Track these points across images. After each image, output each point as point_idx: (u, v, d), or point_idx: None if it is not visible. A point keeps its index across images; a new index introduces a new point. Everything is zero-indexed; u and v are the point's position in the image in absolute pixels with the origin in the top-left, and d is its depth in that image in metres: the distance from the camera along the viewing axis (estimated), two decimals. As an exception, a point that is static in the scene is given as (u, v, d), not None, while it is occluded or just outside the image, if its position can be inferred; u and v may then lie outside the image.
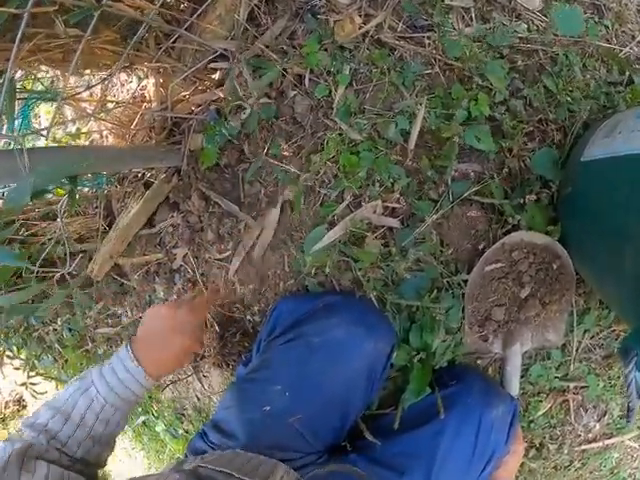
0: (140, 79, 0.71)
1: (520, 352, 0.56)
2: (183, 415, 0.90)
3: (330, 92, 0.56)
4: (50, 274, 0.69)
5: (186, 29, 0.54)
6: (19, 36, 0.31)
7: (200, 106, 0.62)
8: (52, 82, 0.81)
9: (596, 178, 0.47)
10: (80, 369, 0.93)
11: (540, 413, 0.70)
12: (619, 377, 0.69)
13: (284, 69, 0.56)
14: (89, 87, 0.68)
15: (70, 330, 0.89)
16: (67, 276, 0.68)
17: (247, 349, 0.67)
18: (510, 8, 0.56)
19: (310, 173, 0.55)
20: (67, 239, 0.65)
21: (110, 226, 0.72)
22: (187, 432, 0.93)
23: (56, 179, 0.52)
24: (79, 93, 0.66)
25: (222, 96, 0.59)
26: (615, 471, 0.81)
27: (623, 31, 0.59)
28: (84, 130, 0.88)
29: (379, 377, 0.52)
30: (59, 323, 0.88)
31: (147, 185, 0.69)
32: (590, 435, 0.75)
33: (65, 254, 0.65)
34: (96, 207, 0.76)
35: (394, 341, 0.51)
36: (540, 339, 0.57)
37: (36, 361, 0.93)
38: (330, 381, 0.49)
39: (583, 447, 0.76)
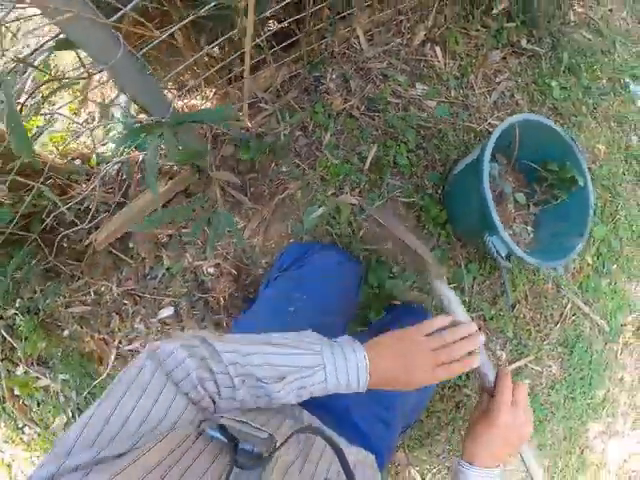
0: (204, 98, 0.94)
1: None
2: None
3: (321, 136, 1.00)
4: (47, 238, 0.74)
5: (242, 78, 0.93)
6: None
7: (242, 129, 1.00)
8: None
9: (457, 180, 0.93)
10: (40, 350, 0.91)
11: None
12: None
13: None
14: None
15: (28, 312, 0.88)
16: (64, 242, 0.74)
17: (253, 293, 0.94)
18: (419, 106, 1.07)
19: (307, 177, 0.97)
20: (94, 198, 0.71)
21: (118, 205, 0.83)
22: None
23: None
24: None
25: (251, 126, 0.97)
26: (532, 395, 1.07)
27: (479, 116, 1.12)
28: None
29: (356, 293, 0.75)
30: (17, 305, 0.88)
31: (166, 174, 0.85)
32: (501, 361, 1.05)
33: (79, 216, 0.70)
34: (111, 187, 0.88)
35: (362, 270, 0.81)
36: None
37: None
38: (336, 289, 0.65)
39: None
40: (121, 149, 0.98)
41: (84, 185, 0.93)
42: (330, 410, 0.52)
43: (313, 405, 0.50)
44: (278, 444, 0.31)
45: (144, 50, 0.57)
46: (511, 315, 1.07)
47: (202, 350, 0.36)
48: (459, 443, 1.08)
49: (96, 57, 0.52)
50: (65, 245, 0.90)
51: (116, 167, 0.97)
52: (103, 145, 1.02)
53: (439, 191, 0.98)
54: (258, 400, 0.38)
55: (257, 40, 0.78)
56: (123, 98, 0.99)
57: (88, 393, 0.95)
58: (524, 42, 1.23)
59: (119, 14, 0.48)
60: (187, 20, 0.58)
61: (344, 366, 0.40)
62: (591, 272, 1.17)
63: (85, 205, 0.90)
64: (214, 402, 0.36)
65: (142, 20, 0.53)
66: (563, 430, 1.14)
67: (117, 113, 1.02)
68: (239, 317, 0.81)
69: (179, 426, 0.31)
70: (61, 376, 0.98)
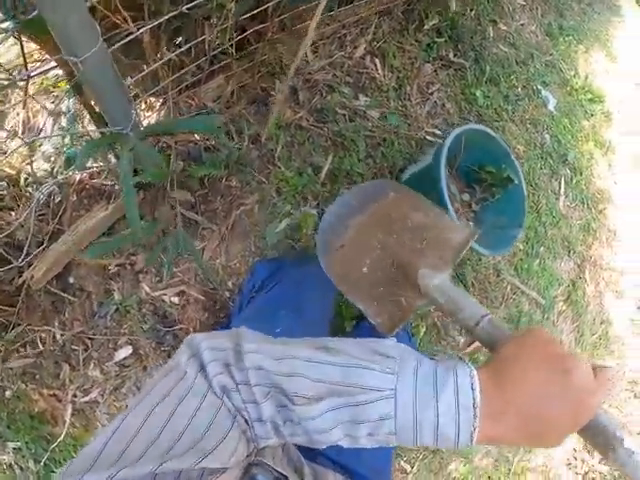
0: (149, 108, 0.89)
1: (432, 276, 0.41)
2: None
3: (273, 148, 1.01)
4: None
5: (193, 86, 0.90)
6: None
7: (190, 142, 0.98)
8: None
9: (410, 186, 1.00)
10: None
11: (421, 335, 1.12)
12: None
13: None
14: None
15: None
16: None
17: (224, 318, 0.96)
18: (364, 116, 1.13)
19: (262, 191, 0.97)
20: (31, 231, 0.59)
21: (53, 234, 0.73)
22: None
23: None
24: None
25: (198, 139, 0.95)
26: None
27: (417, 125, 1.21)
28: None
29: (332, 299, 0.75)
30: None
31: (106, 195, 0.79)
32: (460, 346, 1.16)
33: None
34: (42, 213, 0.77)
35: None
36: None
37: None
38: (318, 302, 0.64)
39: (459, 355, 1.18)
40: (54, 168, 0.89)
41: (13, 213, 0.83)
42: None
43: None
44: None
45: (118, 44, 0.50)
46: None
47: (228, 352, 0.28)
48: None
49: (69, 47, 0.43)
50: None
51: (48, 190, 0.87)
52: (33, 163, 0.91)
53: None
54: (293, 431, 0.27)
55: (225, 45, 0.75)
56: (69, 105, 0.88)
57: (47, 459, 0.82)
58: (452, 55, 1.36)
59: None
60: (169, 15, 0.53)
61: (431, 397, 0.25)
62: (523, 256, 1.33)
63: (16, 237, 0.80)
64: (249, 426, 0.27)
65: (119, 7, 0.46)
66: None
67: (49, 125, 0.91)
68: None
69: (224, 449, 0.24)
70: (11, 444, 0.83)
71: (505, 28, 1.58)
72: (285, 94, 1.03)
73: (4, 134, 0.90)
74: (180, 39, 0.70)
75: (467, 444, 0.25)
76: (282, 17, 0.84)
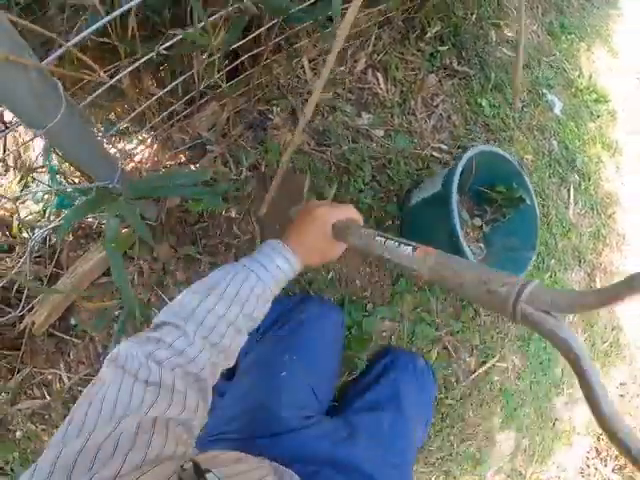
0: (141, 143, 0.85)
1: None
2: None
3: (273, 176, 0.97)
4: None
5: (186, 117, 0.85)
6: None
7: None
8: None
9: (417, 212, 0.97)
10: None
11: (433, 359, 1.10)
12: (472, 319, 1.14)
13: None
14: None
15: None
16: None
17: None
18: (368, 136, 1.08)
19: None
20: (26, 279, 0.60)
21: (52, 277, 0.72)
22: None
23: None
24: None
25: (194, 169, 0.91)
26: (503, 389, 1.17)
27: (422, 142, 1.16)
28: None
29: (340, 342, 0.76)
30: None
31: (103, 234, 0.77)
32: (472, 366, 1.13)
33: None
34: (39, 256, 0.76)
35: (342, 316, 0.78)
36: None
37: None
38: (322, 344, 0.64)
39: (472, 377, 1.13)
40: (47, 209, 0.85)
41: (8, 260, 0.80)
42: (342, 466, 0.53)
43: (323, 462, 0.53)
44: None
45: (90, 99, 0.47)
46: (475, 324, 1.15)
47: (145, 332, 0.38)
48: (449, 448, 1.14)
49: (30, 120, 0.39)
50: None
51: (44, 234, 0.84)
52: (25, 202, 0.87)
53: (396, 221, 1.01)
54: (219, 332, 0.39)
55: (217, 76, 0.71)
56: (50, 161, 0.84)
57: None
58: (456, 64, 1.30)
59: (58, 52, 0.35)
60: (146, 58, 0.50)
61: (260, 253, 0.46)
62: (534, 271, 1.30)
63: (12, 283, 0.77)
64: (186, 368, 0.36)
65: (86, 59, 0.40)
66: (534, 411, 1.27)
67: (40, 162, 0.87)
68: (220, 386, 0.75)
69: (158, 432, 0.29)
70: None
71: (506, 31, 1.52)
72: (282, 117, 0.99)
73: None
74: (166, 74, 0.65)
75: (292, 258, 0.47)
76: (277, 40, 0.79)
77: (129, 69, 0.52)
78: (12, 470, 0.80)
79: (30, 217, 0.85)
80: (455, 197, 0.75)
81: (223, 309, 0.39)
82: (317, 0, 0.66)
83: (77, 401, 0.31)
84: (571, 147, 1.49)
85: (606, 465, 1.41)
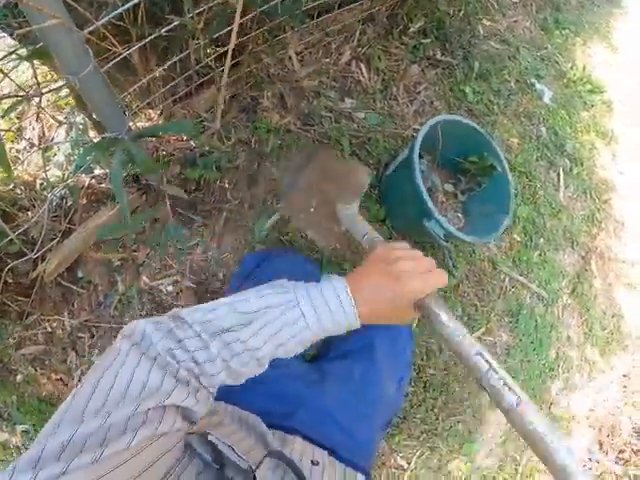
0: (148, 120, 0.98)
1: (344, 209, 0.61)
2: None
3: (262, 150, 1.08)
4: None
5: (187, 97, 0.99)
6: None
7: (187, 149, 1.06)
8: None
9: (391, 178, 1.04)
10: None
11: (413, 326, 1.13)
12: (455, 288, 1.18)
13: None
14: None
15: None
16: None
17: None
18: (350, 118, 1.18)
19: (252, 190, 1.04)
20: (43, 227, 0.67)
21: (65, 232, 0.81)
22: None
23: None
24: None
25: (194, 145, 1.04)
26: None
27: (404, 123, 1.24)
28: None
29: None
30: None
31: (113, 198, 0.88)
32: None
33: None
34: (56, 214, 0.86)
35: (318, 271, 0.82)
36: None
37: None
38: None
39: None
40: (66, 174, 0.99)
41: (29, 213, 0.93)
42: (312, 411, 0.54)
43: (292, 404, 0.53)
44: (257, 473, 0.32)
45: (109, 64, 0.61)
46: (457, 294, 1.18)
47: (169, 322, 0.35)
48: (434, 422, 1.15)
49: (69, 68, 0.54)
50: (11, 280, 0.88)
51: (61, 193, 0.97)
52: (46, 171, 1.02)
53: (376, 191, 1.08)
54: (242, 360, 0.35)
55: (207, 60, 0.85)
56: (77, 119, 0.99)
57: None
58: (439, 55, 1.39)
59: (92, 27, 0.51)
60: (150, 38, 0.63)
61: (320, 296, 0.37)
62: (521, 247, 1.32)
63: (30, 235, 0.90)
64: (198, 378, 0.34)
65: (109, 35, 0.56)
66: (527, 391, 1.25)
67: (62, 137, 1.02)
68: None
69: (169, 411, 0.30)
70: (20, 427, 0.91)
71: (495, 25, 1.60)
72: (273, 101, 1.11)
73: (22, 145, 1.01)
74: (169, 56, 0.79)
75: (352, 317, 0.37)
76: (260, 30, 0.91)
77: (138, 45, 0.66)
78: (9, 414, 0.88)
79: (52, 179, 0.99)
80: (417, 153, 0.82)
81: (255, 344, 0.35)
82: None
83: (89, 372, 0.31)
84: (561, 133, 1.52)
85: (608, 457, 1.35)
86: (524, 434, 0.33)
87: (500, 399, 0.34)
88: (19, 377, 0.91)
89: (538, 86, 1.58)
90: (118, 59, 0.62)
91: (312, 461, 0.46)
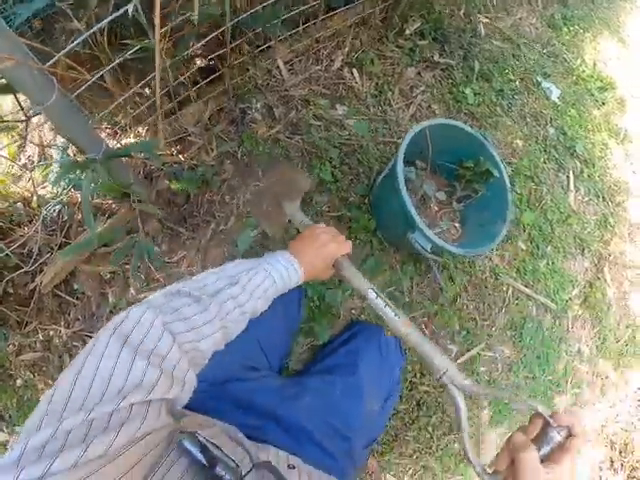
0: (137, 137, 0.99)
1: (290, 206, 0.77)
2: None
3: (249, 163, 1.06)
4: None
5: (173, 113, 0.99)
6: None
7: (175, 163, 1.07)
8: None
9: (379, 188, 1.00)
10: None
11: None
12: (452, 303, 1.12)
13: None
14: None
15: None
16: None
17: None
18: (341, 125, 1.15)
19: (238, 202, 1.02)
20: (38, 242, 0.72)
21: (61, 245, 0.84)
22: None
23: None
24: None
25: (183, 159, 1.04)
26: (491, 381, 1.15)
27: (399, 129, 1.21)
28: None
29: (298, 309, 0.81)
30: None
31: (104, 213, 0.91)
32: (453, 354, 1.10)
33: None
34: (52, 229, 0.90)
35: (302, 291, 0.84)
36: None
37: None
38: (277, 306, 0.65)
39: (459, 361, 1.10)
40: (61, 191, 1.01)
41: (26, 228, 0.96)
42: (284, 425, 0.56)
43: (267, 417, 0.56)
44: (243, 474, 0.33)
45: (77, 92, 0.63)
46: (455, 308, 1.13)
47: (161, 298, 0.38)
48: (428, 441, 1.10)
49: (33, 99, 0.57)
50: (10, 291, 0.90)
51: (57, 208, 0.99)
52: (43, 188, 1.05)
53: (366, 201, 1.05)
54: (234, 317, 0.42)
55: (181, 78, 0.85)
56: (62, 140, 1.02)
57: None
58: (437, 56, 1.34)
59: (53, 60, 0.53)
60: (114, 63, 0.65)
61: (277, 262, 0.50)
62: (526, 256, 1.25)
63: (27, 248, 0.92)
64: (197, 346, 0.37)
65: (73, 64, 0.60)
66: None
67: (56, 155, 1.05)
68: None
69: (155, 397, 0.30)
70: (18, 429, 0.96)
71: (498, 24, 1.54)
72: (261, 112, 1.09)
73: (23, 161, 1.05)
74: (143, 75, 0.79)
75: (301, 274, 0.52)
76: (239, 42, 0.90)
77: (104, 70, 0.66)
78: (10, 416, 0.93)
79: (48, 195, 1.01)
80: (401, 160, 0.79)
81: (243, 299, 0.44)
82: (264, 7, 0.76)
83: (70, 365, 0.31)
84: (570, 133, 1.44)
85: (617, 472, 1.27)
86: (406, 342, 0.52)
87: (384, 314, 0.53)
88: (19, 381, 0.94)
89: (545, 84, 1.50)
90: (88, 84, 0.63)
91: (288, 465, 0.47)
